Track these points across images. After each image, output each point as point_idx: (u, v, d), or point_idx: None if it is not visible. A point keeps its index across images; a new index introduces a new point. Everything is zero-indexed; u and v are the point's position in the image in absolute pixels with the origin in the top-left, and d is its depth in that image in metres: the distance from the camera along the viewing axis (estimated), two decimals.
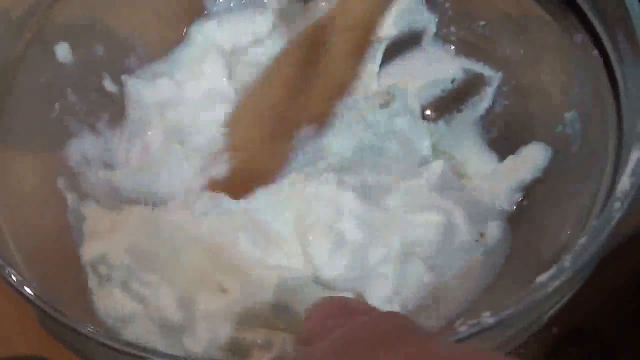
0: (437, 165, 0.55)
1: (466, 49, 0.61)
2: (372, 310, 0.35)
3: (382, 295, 0.51)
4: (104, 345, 0.39)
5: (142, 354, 0.38)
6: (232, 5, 0.63)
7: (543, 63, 0.56)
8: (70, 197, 0.55)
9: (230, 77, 0.59)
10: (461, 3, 0.61)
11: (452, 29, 0.61)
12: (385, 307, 0.50)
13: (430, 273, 0.52)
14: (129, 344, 0.39)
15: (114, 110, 0.60)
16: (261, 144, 0.51)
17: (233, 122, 0.52)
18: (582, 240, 0.41)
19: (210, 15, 0.63)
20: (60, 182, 0.55)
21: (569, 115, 0.53)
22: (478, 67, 0.60)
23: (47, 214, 0.53)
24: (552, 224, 0.51)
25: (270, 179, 0.52)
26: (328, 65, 0.50)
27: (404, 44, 0.62)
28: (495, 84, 0.60)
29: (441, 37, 0.62)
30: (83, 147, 0.57)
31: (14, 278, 0.42)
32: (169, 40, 0.62)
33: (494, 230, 0.54)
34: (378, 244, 0.52)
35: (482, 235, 0.54)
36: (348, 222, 0.52)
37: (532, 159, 0.55)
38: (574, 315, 0.45)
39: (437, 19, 0.61)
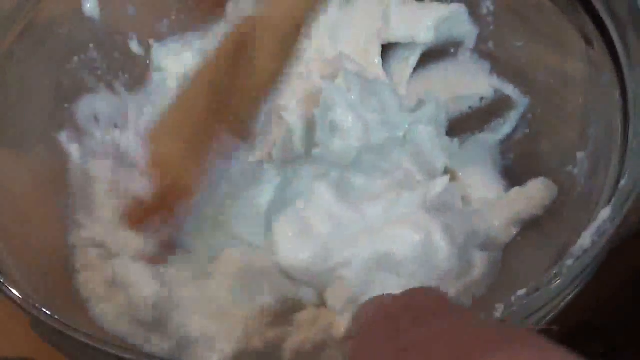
0: (441, 183, 0.53)
1: (500, 68, 0.58)
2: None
3: (341, 297, 0.49)
4: (95, 348, 0.39)
5: (135, 357, 0.38)
6: None
7: (569, 97, 0.53)
8: (74, 150, 0.55)
9: None
10: (504, 21, 0.58)
11: (490, 45, 0.59)
12: (343, 311, 0.48)
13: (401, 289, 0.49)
14: (121, 346, 0.39)
15: (135, 73, 0.59)
16: (182, 159, 0.50)
17: (153, 137, 0.50)
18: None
19: None
20: (63, 137, 0.55)
21: (580, 155, 0.50)
22: (509, 89, 0.58)
23: (39, 217, 0.52)
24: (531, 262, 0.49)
25: (192, 195, 0.50)
26: (254, 65, 0.48)
27: (440, 53, 0.59)
28: (521, 109, 0.57)
29: (478, 52, 0.59)
30: (95, 104, 0.57)
31: (5, 284, 0.42)
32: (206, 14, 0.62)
33: (482, 261, 0.51)
34: (345, 245, 0.50)
35: (468, 265, 0.51)
36: (316, 213, 0.50)
37: (538, 194, 0.52)
38: (575, 313, 0.42)
39: (477, 33, 0.59)
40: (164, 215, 0.48)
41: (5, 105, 0.52)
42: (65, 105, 0.56)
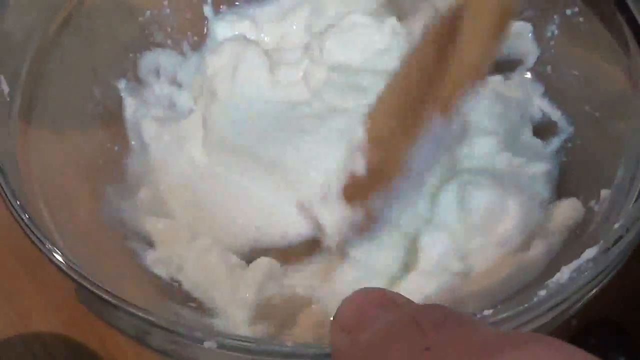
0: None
1: (552, 93, 0.58)
2: (412, 302, 0.35)
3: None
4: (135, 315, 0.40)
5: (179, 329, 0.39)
6: None
7: (611, 132, 0.53)
8: (129, 102, 0.58)
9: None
10: (565, 47, 0.58)
11: (548, 69, 0.59)
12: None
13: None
14: (164, 319, 0.40)
15: (203, 35, 0.62)
16: (397, 137, 0.51)
17: (371, 116, 0.52)
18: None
19: None
20: (122, 85, 0.58)
21: (604, 193, 0.50)
22: (556, 115, 0.58)
23: (85, 188, 0.53)
24: None
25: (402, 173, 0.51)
26: (460, 51, 0.49)
27: (498, 67, 0.60)
28: (564, 136, 0.57)
29: (535, 73, 0.59)
30: (159, 59, 0.60)
31: (57, 257, 0.42)
32: None
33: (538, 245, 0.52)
34: None
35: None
36: None
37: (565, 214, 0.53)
38: (593, 307, 0.42)
39: (538, 54, 0.59)
40: (378, 190, 0.50)
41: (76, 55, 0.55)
42: (130, 55, 0.59)
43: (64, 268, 0.41)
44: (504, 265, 0.51)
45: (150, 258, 0.52)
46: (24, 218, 0.43)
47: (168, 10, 0.60)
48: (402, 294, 0.35)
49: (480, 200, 0.52)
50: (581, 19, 0.56)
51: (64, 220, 0.46)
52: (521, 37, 0.59)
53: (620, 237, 0.41)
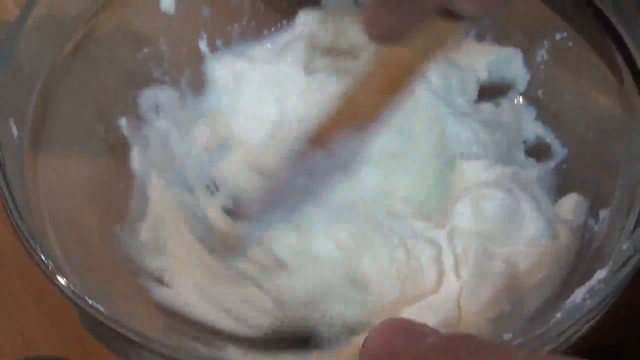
0: None
1: (545, 116, 0.60)
2: (438, 332, 0.35)
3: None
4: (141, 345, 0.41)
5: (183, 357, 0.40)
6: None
7: (605, 153, 0.55)
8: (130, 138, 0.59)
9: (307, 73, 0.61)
10: (555, 71, 0.59)
11: (539, 92, 0.60)
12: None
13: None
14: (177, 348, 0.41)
15: (199, 71, 0.62)
16: None
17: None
18: None
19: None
20: (122, 122, 0.58)
21: (603, 213, 0.52)
22: (550, 138, 0.59)
23: (91, 218, 0.53)
24: None
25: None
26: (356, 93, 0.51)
27: (489, 92, 0.61)
28: (558, 158, 0.58)
29: (526, 97, 0.61)
30: (159, 95, 0.61)
31: (61, 280, 0.43)
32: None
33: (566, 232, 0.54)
34: None
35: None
36: None
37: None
38: (597, 332, 0.44)
39: (529, 79, 0.61)
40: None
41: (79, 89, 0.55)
42: (130, 92, 0.59)
43: (68, 294, 0.42)
44: (542, 256, 0.52)
45: (159, 293, 0.53)
46: (31, 243, 0.43)
47: (165, 47, 0.61)
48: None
49: (494, 207, 0.54)
50: (570, 44, 0.58)
51: (71, 247, 0.47)
52: (511, 62, 0.61)
53: (630, 258, 0.42)
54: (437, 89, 0.59)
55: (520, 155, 0.60)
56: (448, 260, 0.52)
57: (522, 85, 0.61)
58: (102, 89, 0.57)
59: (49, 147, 0.50)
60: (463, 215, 0.54)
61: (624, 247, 0.43)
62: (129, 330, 0.41)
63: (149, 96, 0.61)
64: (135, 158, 0.58)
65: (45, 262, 0.43)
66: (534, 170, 0.58)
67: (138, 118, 0.60)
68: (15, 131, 0.48)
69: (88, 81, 0.56)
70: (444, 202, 0.56)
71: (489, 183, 0.55)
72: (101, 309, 0.41)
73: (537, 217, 0.53)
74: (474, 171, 0.57)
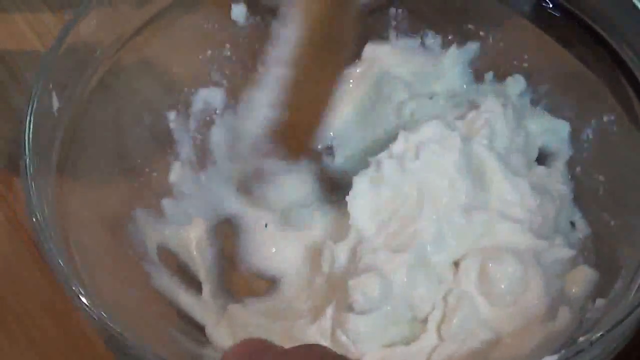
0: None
1: (578, 193, 0.60)
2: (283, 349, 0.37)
3: None
4: None
5: None
6: None
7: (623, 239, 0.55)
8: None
9: None
10: (597, 151, 0.60)
11: (578, 170, 0.61)
12: None
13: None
14: None
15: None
16: None
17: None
18: None
19: None
20: (172, 115, 0.62)
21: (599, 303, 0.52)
22: (576, 216, 0.60)
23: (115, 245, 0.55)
24: None
25: None
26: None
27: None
28: (581, 235, 0.59)
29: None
30: (212, 97, 0.64)
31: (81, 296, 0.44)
32: None
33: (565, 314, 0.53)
34: None
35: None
36: None
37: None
38: None
39: (571, 154, 0.61)
40: None
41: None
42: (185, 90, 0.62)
43: (95, 319, 0.43)
44: (532, 334, 0.52)
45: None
46: (60, 265, 0.45)
47: (229, 52, 0.63)
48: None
49: (502, 275, 0.53)
50: (616, 128, 0.57)
51: (96, 271, 0.49)
52: (557, 134, 0.61)
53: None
54: (499, 143, 0.59)
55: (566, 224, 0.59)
56: (435, 315, 0.53)
57: (563, 158, 0.61)
58: (125, 122, 0.59)
59: (75, 176, 0.52)
60: (468, 274, 0.54)
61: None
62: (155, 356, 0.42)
63: (203, 96, 0.64)
64: None
65: (74, 289, 0.44)
66: (566, 251, 0.57)
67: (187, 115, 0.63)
68: (44, 161, 0.50)
69: (111, 114, 0.57)
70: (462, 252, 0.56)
71: (510, 249, 0.55)
72: (123, 333, 0.43)
73: (543, 295, 0.53)
74: (508, 234, 0.56)
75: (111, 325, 0.43)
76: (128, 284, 0.54)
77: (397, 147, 0.57)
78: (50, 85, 0.51)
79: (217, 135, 0.63)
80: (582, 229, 0.58)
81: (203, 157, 0.63)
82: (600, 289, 0.53)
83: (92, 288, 0.46)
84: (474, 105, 0.61)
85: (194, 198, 0.61)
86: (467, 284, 0.54)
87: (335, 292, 0.55)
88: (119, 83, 0.57)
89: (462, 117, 0.60)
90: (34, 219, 0.46)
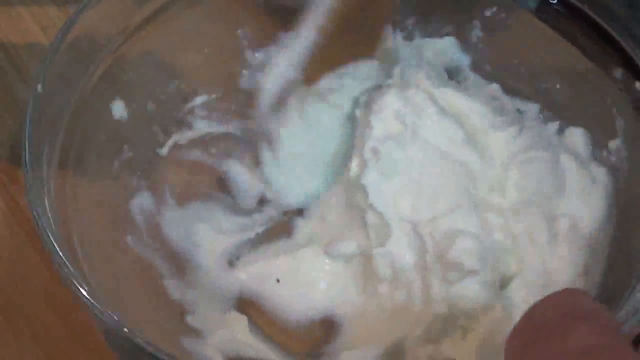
0: None
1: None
2: (611, 315, 0.36)
3: None
4: None
5: None
6: None
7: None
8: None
9: None
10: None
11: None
12: None
13: None
14: None
15: None
16: None
17: None
18: None
19: None
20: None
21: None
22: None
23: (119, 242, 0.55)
24: None
25: None
26: None
27: None
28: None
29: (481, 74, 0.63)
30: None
31: (84, 293, 0.43)
32: None
33: None
34: None
35: None
36: None
37: None
38: None
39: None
40: None
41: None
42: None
43: (95, 312, 0.43)
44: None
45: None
46: (61, 256, 0.45)
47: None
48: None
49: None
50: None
51: (97, 264, 0.49)
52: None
53: None
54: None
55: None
56: None
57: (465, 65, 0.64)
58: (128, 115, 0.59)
59: (77, 168, 0.52)
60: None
61: None
62: (156, 348, 0.42)
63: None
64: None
65: (76, 283, 0.44)
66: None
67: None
68: (46, 154, 0.50)
69: (114, 107, 0.57)
70: None
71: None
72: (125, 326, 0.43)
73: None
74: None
75: (109, 315, 0.43)
76: (129, 277, 0.54)
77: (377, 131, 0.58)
78: (53, 78, 0.51)
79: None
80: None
81: None
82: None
83: (92, 280, 0.46)
84: None
85: None
86: None
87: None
88: (122, 76, 0.57)
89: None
90: (34, 212, 0.45)
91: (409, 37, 0.64)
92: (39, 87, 0.50)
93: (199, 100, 0.62)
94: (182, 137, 0.62)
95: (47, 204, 0.47)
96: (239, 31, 0.63)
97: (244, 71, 0.63)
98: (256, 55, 0.63)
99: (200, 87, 0.62)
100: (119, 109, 0.57)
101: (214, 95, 0.63)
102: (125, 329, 0.42)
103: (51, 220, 0.46)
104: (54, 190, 0.48)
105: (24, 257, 0.59)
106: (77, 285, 0.43)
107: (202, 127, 0.62)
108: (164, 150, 0.60)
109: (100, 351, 0.55)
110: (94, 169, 0.55)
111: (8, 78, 0.67)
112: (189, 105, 0.62)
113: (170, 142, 0.61)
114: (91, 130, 0.54)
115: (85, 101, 0.54)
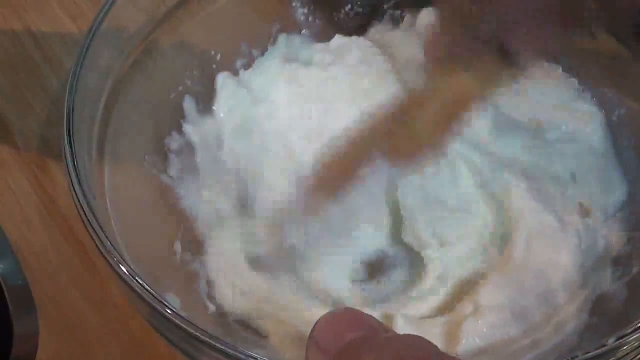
0: None
1: None
2: (388, 328, 0.35)
3: None
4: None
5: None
6: None
7: None
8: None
9: None
10: None
11: None
12: None
13: None
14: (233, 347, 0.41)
15: None
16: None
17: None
18: None
19: None
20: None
21: None
22: None
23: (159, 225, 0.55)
24: None
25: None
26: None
27: None
28: None
29: None
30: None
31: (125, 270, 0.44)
32: None
33: None
34: None
35: None
36: None
37: None
38: None
39: None
40: None
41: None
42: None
43: (135, 288, 0.43)
44: None
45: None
46: (98, 232, 0.45)
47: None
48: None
49: None
50: None
51: (137, 248, 0.49)
52: None
53: None
54: None
55: None
56: None
57: None
58: (159, 103, 0.59)
59: (113, 155, 0.53)
60: None
61: None
62: (198, 329, 0.42)
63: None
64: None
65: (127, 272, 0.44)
66: None
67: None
68: (85, 141, 0.50)
69: (146, 95, 0.57)
70: None
71: None
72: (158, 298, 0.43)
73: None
74: None
75: (152, 293, 0.43)
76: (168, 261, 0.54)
77: None
78: (87, 69, 0.51)
79: None
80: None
81: None
82: None
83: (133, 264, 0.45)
84: None
85: None
86: None
87: None
88: (154, 64, 0.57)
89: None
90: (76, 200, 0.46)
91: None
92: (75, 76, 0.50)
93: None
94: None
95: (86, 191, 0.46)
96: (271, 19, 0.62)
97: None
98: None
99: None
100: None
101: None
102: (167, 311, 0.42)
103: (93, 208, 0.46)
104: (93, 179, 0.49)
105: (56, 248, 0.59)
106: (130, 276, 0.43)
107: None
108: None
109: (133, 340, 0.55)
110: (131, 155, 0.55)
111: (37, 67, 0.67)
112: None
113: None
114: (126, 117, 0.54)
115: (118, 88, 0.54)
